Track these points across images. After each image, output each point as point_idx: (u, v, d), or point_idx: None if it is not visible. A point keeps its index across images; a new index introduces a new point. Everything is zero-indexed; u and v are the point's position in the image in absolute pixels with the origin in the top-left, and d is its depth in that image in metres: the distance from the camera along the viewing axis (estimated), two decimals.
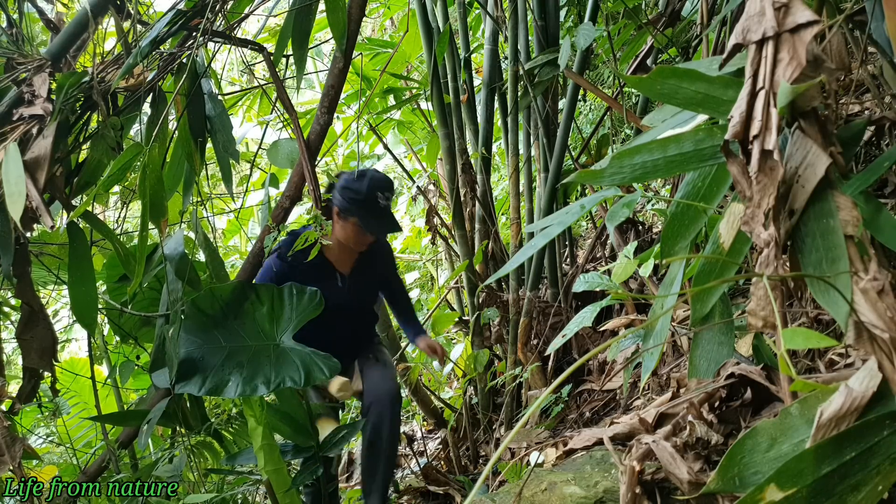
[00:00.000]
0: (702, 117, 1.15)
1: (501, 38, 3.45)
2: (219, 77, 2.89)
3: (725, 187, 1.11)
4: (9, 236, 1.95)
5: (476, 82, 3.68)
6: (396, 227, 2.43)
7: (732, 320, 1.18)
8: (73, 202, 2.19)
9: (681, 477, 1.32)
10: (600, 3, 3.02)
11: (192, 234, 2.41)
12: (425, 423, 4.14)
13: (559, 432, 2.69)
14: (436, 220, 3.45)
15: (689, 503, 1.31)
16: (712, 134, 1.06)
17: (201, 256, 2.39)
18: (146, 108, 2.35)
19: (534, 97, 3.13)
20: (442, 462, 3.41)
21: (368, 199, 2.32)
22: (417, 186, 4.08)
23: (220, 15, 2.24)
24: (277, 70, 2.37)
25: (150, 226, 2.02)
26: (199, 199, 2.63)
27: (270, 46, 2.46)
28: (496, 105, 3.44)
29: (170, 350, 1.99)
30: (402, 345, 3.89)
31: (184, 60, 2.23)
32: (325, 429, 2.20)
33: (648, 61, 3.00)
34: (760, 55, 0.93)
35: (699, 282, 1.13)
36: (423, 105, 4.11)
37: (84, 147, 2.27)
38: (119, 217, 2.73)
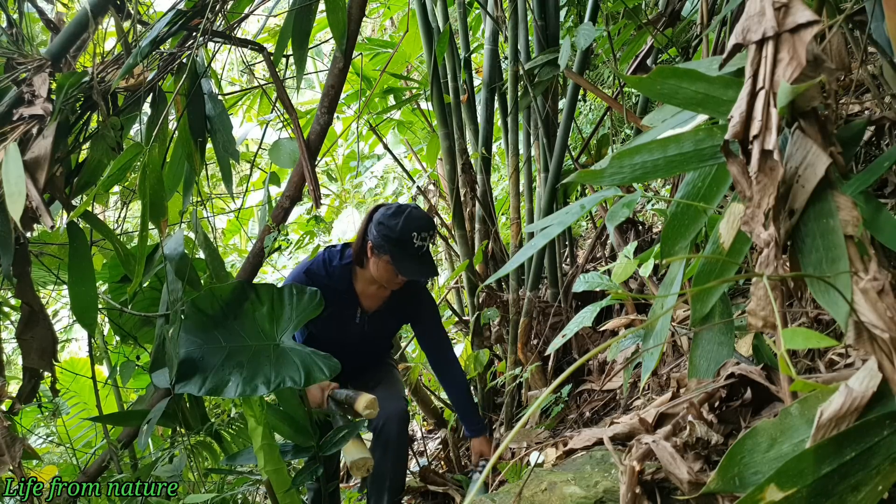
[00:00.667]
0: (702, 117, 1.15)
1: (501, 38, 3.45)
2: (219, 77, 2.89)
3: (725, 187, 1.11)
4: (9, 236, 1.95)
5: (476, 82, 3.68)
6: (432, 272, 2.28)
7: (732, 320, 1.18)
8: (73, 202, 2.19)
9: (681, 477, 1.32)
10: (600, 3, 3.02)
11: (192, 234, 2.40)
12: (425, 423, 4.14)
13: (559, 432, 2.69)
14: (436, 220, 3.45)
15: (689, 503, 1.31)
16: (712, 134, 1.06)
17: (202, 255, 2.39)
18: (146, 108, 2.35)
19: (534, 97, 3.13)
20: (442, 462, 3.41)
21: (402, 238, 2.18)
22: (417, 186, 4.08)
23: (220, 15, 2.24)
24: (277, 70, 2.37)
25: (150, 226, 2.02)
26: (199, 199, 2.63)
27: (270, 46, 2.46)
28: (496, 105, 3.44)
29: (170, 350, 1.99)
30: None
31: (184, 60, 2.23)
32: (352, 452, 2.08)
33: (648, 61, 3.00)
34: (760, 55, 0.93)
35: (699, 282, 1.13)
36: (423, 105, 4.11)
37: (84, 147, 2.27)
38: (119, 217, 2.73)
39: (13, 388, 2.89)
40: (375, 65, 4.09)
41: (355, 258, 2.34)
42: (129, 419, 2.35)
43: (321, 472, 2.15)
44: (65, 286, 2.30)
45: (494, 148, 4.33)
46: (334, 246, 2.44)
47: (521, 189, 3.47)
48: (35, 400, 2.20)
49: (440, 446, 3.62)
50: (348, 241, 2.50)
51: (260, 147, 3.28)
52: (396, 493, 2.42)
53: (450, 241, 3.91)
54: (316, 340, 2.40)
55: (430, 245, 2.27)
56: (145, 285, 2.42)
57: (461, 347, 3.98)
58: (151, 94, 2.30)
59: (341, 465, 2.69)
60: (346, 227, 5.87)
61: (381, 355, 2.69)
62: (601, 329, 2.75)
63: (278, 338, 2.13)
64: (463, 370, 2.68)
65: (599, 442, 1.83)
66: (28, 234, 2.11)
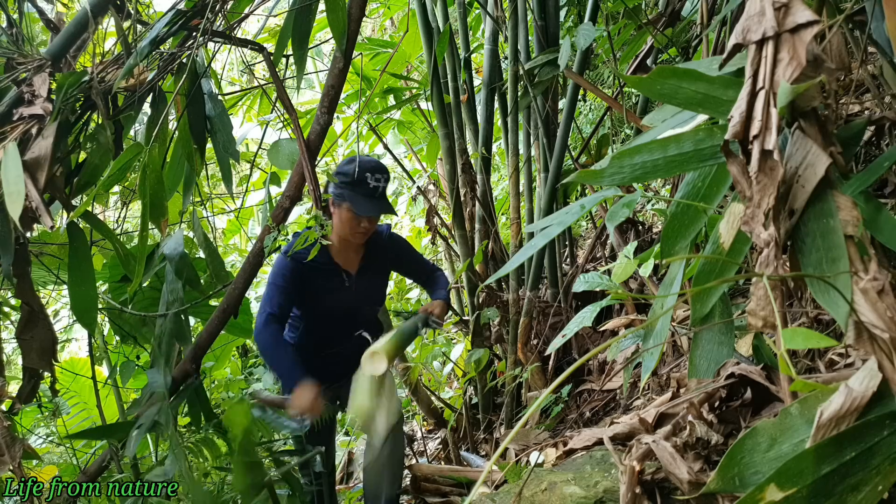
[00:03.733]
0: (702, 117, 1.15)
1: (501, 38, 3.45)
2: (219, 77, 2.89)
3: (725, 187, 1.11)
4: (9, 236, 1.95)
5: (476, 82, 3.68)
6: (388, 210, 2.34)
7: (732, 320, 1.18)
8: (73, 202, 2.19)
9: (681, 477, 1.32)
10: (600, 3, 3.02)
11: (192, 234, 2.40)
12: (425, 423, 4.14)
13: (559, 432, 2.69)
14: (436, 220, 3.45)
15: (689, 503, 1.31)
16: (712, 134, 1.06)
17: (202, 255, 2.39)
18: (146, 108, 2.35)
19: (534, 97, 3.12)
20: (442, 462, 3.41)
21: (358, 179, 2.25)
22: (417, 186, 4.08)
23: (220, 15, 2.24)
24: (277, 70, 2.37)
25: (150, 226, 2.02)
26: (199, 199, 2.63)
27: (270, 46, 2.46)
28: (496, 105, 3.44)
29: (167, 352, 1.98)
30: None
31: (184, 60, 2.23)
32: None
33: (648, 61, 2.99)
34: (760, 55, 0.93)
35: (699, 282, 1.13)
36: (423, 105, 4.11)
37: (84, 147, 2.27)
38: (119, 217, 2.73)
39: (13, 388, 2.89)
40: (375, 65, 4.08)
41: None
42: (113, 432, 2.31)
43: (320, 470, 2.15)
44: (65, 286, 2.30)
45: (494, 148, 4.33)
46: (296, 233, 2.46)
47: (521, 189, 3.47)
48: (35, 400, 2.20)
49: (440, 446, 3.62)
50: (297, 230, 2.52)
51: (260, 147, 3.28)
52: (394, 493, 2.42)
53: (450, 241, 3.91)
54: (313, 316, 2.42)
55: (385, 188, 2.32)
56: (145, 285, 2.41)
57: (461, 347, 3.98)
58: (151, 94, 2.30)
59: (340, 464, 2.68)
60: None
61: (375, 333, 2.69)
62: (601, 329, 2.75)
63: None
64: (446, 276, 2.74)
65: (599, 442, 1.83)
66: (28, 234, 2.11)
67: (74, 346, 4.92)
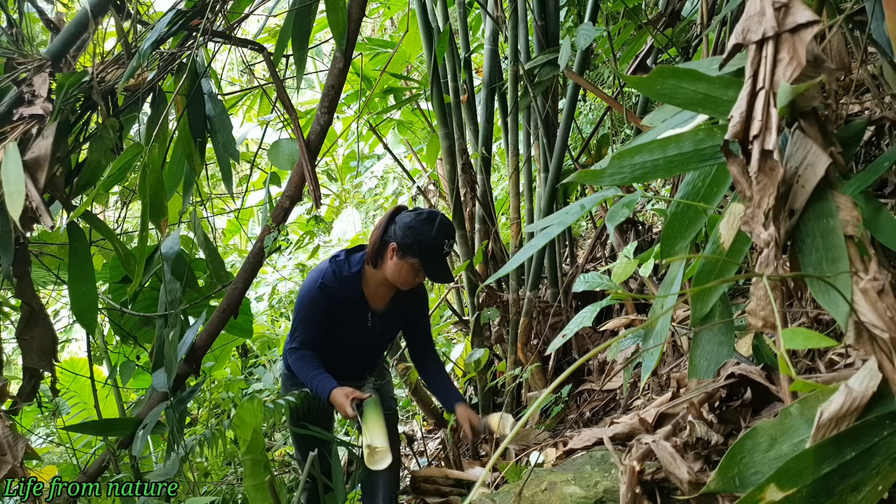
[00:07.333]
0: (702, 117, 1.15)
1: (501, 38, 3.45)
2: (219, 77, 2.89)
3: (725, 187, 1.11)
4: (9, 236, 1.95)
5: (476, 82, 3.68)
6: (450, 275, 2.38)
7: (732, 320, 1.18)
8: (73, 202, 2.19)
9: (681, 477, 1.32)
10: (600, 3, 3.02)
11: (191, 234, 2.40)
12: (425, 423, 4.14)
13: (559, 432, 2.69)
14: None
15: (689, 503, 1.31)
16: (712, 134, 1.06)
17: (202, 255, 2.39)
18: (146, 108, 2.35)
19: (534, 97, 3.13)
20: (442, 462, 3.41)
21: (435, 244, 2.23)
22: (417, 186, 4.08)
23: (220, 15, 2.25)
24: (277, 70, 2.37)
25: (150, 226, 2.02)
26: (199, 199, 2.63)
27: (270, 46, 2.46)
28: (496, 105, 3.44)
29: (168, 353, 1.98)
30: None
31: (184, 60, 2.23)
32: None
33: (648, 61, 2.99)
34: (760, 55, 0.93)
35: (699, 282, 1.13)
36: (423, 105, 4.11)
37: (84, 147, 2.27)
38: (119, 217, 2.73)
39: (13, 387, 2.89)
40: (375, 65, 4.09)
41: (371, 259, 2.32)
42: (111, 428, 2.31)
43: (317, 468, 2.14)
44: (65, 286, 2.30)
45: (494, 148, 4.33)
46: (336, 256, 2.42)
47: (521, 189, 3.47)
48: (35, 400, 2.20)
49: (440, 446, 3.62)
50: (350, 249, 2.49)
51: (260, 147, 3.29)
52: (392, 495, 2.42)
53: None
54: (326, 345, 2.40)
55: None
56: (146, 285, 2.41)
57: (461, 347, 3.98)
58: (151, 94, 2.30)
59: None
60: (346, 227, 5.86)
61: (382, 356, 2.70)
62: (601, 329, 2.75)
63: None
64: (443, 364, 2.74)
65: (599, 442, 1.83)
66: (28, 234, 2.11)
67: (74, 346, 4.93)
